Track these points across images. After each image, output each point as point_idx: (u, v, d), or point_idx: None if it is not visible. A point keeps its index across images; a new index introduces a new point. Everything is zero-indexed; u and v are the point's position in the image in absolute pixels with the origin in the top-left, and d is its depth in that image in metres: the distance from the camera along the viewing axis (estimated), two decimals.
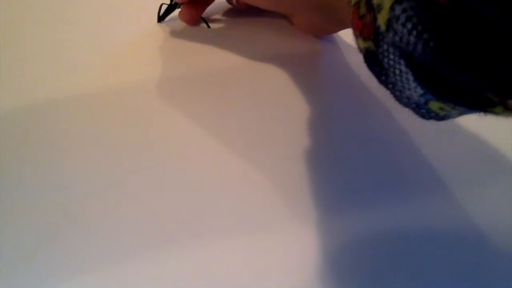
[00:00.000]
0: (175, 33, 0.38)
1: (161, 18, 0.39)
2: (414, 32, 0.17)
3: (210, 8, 0.40)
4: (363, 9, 0.21)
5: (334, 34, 0.38)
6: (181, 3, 0.38)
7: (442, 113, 0.21)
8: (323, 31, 0.37)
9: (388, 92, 0.22)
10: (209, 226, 0.25)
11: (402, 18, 0.17)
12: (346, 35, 0.37)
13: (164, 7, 0.39)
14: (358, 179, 0.27)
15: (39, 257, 0.24)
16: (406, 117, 0.25)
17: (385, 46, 0.20)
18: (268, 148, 0.29)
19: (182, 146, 0.29)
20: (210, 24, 0.39)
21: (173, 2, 0.38)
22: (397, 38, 0.18)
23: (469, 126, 0.30)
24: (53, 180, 0.27)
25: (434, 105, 0.20)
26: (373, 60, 0.21)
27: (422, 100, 0.20)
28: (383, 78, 0.21)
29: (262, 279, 0.23)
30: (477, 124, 0.30)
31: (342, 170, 0.28)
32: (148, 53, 0.36)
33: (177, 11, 0.38)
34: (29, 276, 0.23)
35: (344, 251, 0.24)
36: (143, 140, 0.29)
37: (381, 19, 0.19)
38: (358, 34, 0.22)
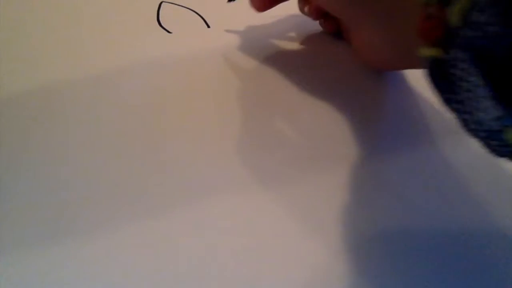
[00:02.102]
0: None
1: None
2: (501, 19, 0.14)
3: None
4: (433, 7, 0.18)
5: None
6: None
7: None
8: (387, 62, 0.31)
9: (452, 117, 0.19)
10: (209, 226, 0.25)
11: (483, 3, 0.14)
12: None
13: (163, 6, 0.39)
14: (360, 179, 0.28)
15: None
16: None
17: (456, 52, 0.17)
18: (269, 151, 0.29)
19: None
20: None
21: None
22: (476, 33, 0.15)
23: None
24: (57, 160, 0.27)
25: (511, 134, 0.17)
26: (439, 72, 0.18)
27: (497, 126, 0.17)
28: (450, 95, 0.18)
29: (262, 279, 0.23)
30: None
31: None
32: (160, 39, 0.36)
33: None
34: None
35: (346, 251, 0.24)
36: (147, 125, 0.30)
37: (457, 12, 0.16)
38: (424, 39, 0.19)
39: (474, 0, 0.15)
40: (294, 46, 0.37)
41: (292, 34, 0.38)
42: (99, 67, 0.34)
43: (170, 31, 0.38)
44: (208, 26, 0.38)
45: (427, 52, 0.18)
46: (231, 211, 0.26)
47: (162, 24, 0.38)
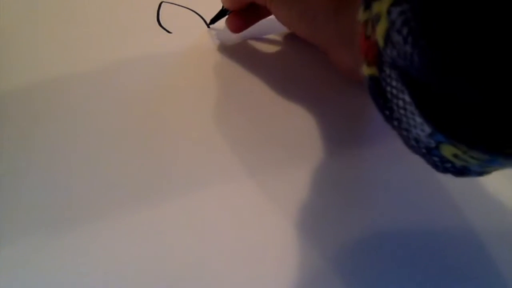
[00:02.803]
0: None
1: (211, 22, 0.38)
2: (410, 39, 0.14)
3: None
4: (369, 27, 0.18)
5: None
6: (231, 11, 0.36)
7: (458, 163, 0.17)
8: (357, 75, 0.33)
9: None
10: (209, 224, 0.25)
11: (398, 23, 0.14)
12: None
13: (163, 6, 0.39)
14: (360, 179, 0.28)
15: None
16: None
17: (387, 70, 0.17)
18: (269, 150, 0.29)
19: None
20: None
21: (223, 8, 0.37)
22: (394, 53, 0.15)
23: None
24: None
25: (447, 150, 0.16)
26: (376, 90, 0.18)
27: (432, 143, 0.17)
28: (387, 112, 0.18)
29: (262, 279, 0.23)
30: None
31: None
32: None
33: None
34: None
35: (344, 251, 0.24)
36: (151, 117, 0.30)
37: (380, 31, 0.16)
38: (363, 58, 0.19)
39: (392, 20, 0.15)
40: (294, 45, 0.37)
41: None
42: (99, 66, 0.34)
43: (170, 31, 0.38)
44: (208, 26, 0.38)
45: (366, 70, 0.18)
46: (223, 204, 0.26)
47: (162, 24, 0.38)
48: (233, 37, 0.37)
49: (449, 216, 0.26)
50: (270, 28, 0.38)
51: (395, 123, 0.18)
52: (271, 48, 0.36)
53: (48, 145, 0.29)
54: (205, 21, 0.39)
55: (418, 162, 0.27)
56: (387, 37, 0.15)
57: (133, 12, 0.39)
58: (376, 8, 0.16)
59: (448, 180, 0.27)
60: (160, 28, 0.38)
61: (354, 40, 0.26)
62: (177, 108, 0.32)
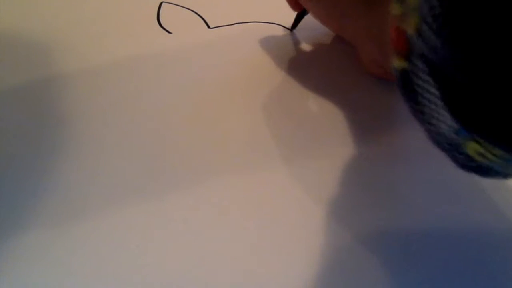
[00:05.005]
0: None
1: (293, 27, 0.38)
2: (439, 31, 0.14)
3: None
4: (401, 20, 0.18)
5: None
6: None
7: (482, 162, 0.16)
8: (387, 73, 0.32)
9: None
10: (208, 222, 0.25)
11: (429, 16, 0.14)
12: None
13: (163, 6, 0.39)
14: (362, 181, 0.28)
15: None
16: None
17: (416, 63, 0.17)
18: (270, 148, 0.29)
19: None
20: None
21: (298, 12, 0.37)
22: (424, 46, 0.15)
23: None
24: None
25: (471, 148, 0.16)
26: (404, 82, 0.18)
27: (457, 139, 0.16)
28: (414, 105, 0.18)
29: (264, 278, 0.23)
30: None
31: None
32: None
33: None
34: None
35: (347, 250, 0.24)
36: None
37: (411, 24, 0.16)
38: (394, 50, 0.19)
39: (424, 14, 0.15)
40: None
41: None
42: (99, 66, 0.34)
43: (170, 31, 0.38)
44: (208, 26, 0.38)
45: (397, 63, 0.18)
46: (233, 194, 0.26)
47: (162, 24, 0.38)
48: (234, 37, 0.37)
49: (457, 215, 0.26)
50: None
51: (421, 116, 0.18)
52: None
53: (48, 145, 0.29)
54: (205, 21, 0.39)
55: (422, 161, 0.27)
56: (418, 30, 0.16)
57: (133, 12, 0.40)
58: (409, 1, 0.16)
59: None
60: (160, 28, 0.38)
61: (383, 34, 0.26)
62: (177, 108, 0.32)
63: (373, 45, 0.30)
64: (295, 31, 0.38)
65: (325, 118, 0.31)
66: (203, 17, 0.39)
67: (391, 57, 0.19)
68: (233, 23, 0.38)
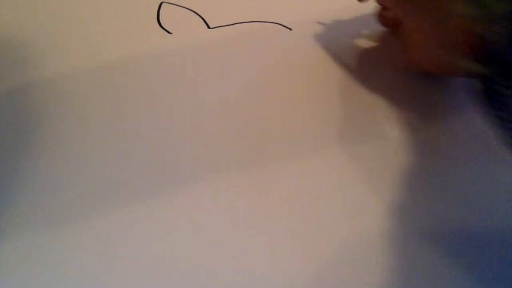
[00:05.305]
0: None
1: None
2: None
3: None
4: (478, 24, 0.17)
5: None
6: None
7: None
8: (443, 67, 0.31)
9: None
10: (209, 222, 0.25)
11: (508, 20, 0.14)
12: None
13: (163, 6, 0.39)
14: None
15: None
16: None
17: (501, 69, 0.16)
18: (271, 147, 0.29)
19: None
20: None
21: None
22: (504, 49, 0.15)
23: None
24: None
25: None
26: (487, 88, 0.17)
27: None
28: (500, 113, 0.17)
29: (265, 277, 0.23)
30: None
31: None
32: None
33: None
34: None
35: (349, 249, 0.24)
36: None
37: (501, 31, 0.15)
38: (469, 51, 0.18)
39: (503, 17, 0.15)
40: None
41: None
42: (99, 66, 0.34)
43: (170, 31, 0.38)
44: (208, 26, 0.38)
45: (473, 67, 0.18)
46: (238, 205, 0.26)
47: (162, 24, 0.38)
48: (234, 37, 0.37)
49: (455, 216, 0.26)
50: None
51: (504, 123, 0.18)
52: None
53: (47, 145, 0.29)
54: (205, 21, 0.39)
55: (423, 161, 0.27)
56: (509, 37, 0.15)
57: (133, 12, 0.39)
58: (495, 8, 0.16)
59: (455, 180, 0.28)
60: (160, 28, 0.38)
61: (450, 37, 0.25)
62: (177, 107, 0.32)
63: (424, 27, 0.29)
64: (295, 31, 0.38)
65: (326, 118, 0.31)
66: (203, 17, 0.39)
67: (458, 58, 0.19)
68: (233, 23, 0.38)
